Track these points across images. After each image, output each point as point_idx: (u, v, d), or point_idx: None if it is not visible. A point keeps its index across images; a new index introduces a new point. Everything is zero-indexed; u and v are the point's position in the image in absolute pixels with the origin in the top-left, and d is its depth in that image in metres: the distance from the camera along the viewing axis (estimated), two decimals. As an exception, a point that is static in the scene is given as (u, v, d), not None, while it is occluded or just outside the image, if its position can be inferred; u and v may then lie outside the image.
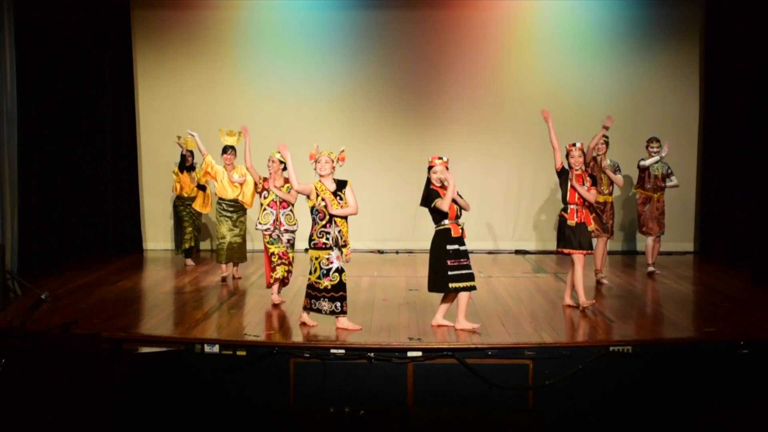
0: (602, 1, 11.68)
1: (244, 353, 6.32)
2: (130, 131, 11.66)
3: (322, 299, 6.69)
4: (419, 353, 6.25)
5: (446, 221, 6.75)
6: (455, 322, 6.78)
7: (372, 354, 6.24)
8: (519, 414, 6.16)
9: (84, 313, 7.26)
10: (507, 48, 11.76)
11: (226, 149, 9.09)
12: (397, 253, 11.68)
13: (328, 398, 6.21)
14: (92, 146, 10.92)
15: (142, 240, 11.85)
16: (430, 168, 6.82)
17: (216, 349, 6.34)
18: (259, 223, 7.83)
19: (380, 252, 11.62)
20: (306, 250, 7.30)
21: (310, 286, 6.75)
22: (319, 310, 6.74)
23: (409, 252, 11.67)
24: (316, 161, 6.74)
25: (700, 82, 11.58)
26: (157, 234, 11.90)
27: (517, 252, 11.71)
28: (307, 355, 6.27)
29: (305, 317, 6.90)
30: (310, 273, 6.75)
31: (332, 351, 6.27)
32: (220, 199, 9.04)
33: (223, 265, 9.15)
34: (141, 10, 11.69)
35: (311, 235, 6.72)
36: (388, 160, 11.71)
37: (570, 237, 7.57)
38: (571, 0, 11.65)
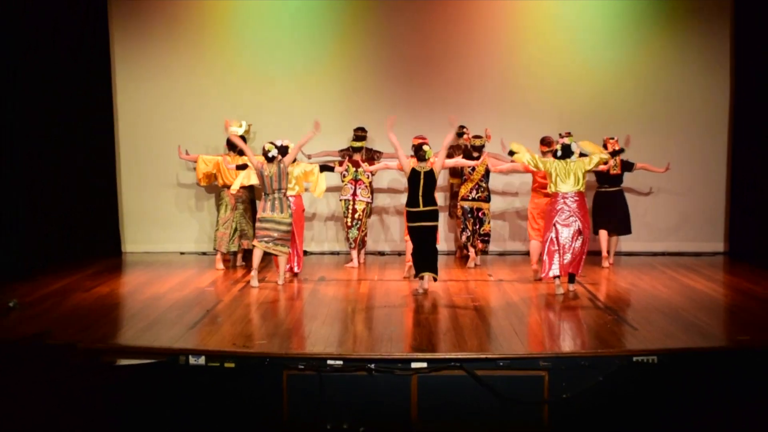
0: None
1: (232, 365, 6.32)
2: (107, 125, 11.62)
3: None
4: (424, 364, 6.25)
5: None
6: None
7: (372, 365, 6.25)
8: (533, 431, 6.14)
9: (57, 322, 7.23)
10: (528, 32, 11.74)
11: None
12: (399, 255, 11.64)
13: (325, 414, 6.21)
14: (66, 140, 10.87)
15: (120, 242, 11.81)
16: None
17: (202, 360, 6.35)
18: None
19: (381, 254, 11.59)
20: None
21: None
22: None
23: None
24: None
25: (731, 69, 11.56)
26: (137, 235, 11.85)
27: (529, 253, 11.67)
28: (302, 367, 6.27)
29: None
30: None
31: (329, 362, 6.27)
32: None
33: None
34: (119, -2, 11.66)
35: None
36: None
37: None
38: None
